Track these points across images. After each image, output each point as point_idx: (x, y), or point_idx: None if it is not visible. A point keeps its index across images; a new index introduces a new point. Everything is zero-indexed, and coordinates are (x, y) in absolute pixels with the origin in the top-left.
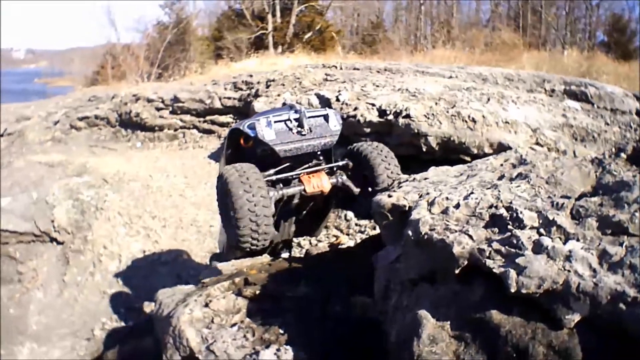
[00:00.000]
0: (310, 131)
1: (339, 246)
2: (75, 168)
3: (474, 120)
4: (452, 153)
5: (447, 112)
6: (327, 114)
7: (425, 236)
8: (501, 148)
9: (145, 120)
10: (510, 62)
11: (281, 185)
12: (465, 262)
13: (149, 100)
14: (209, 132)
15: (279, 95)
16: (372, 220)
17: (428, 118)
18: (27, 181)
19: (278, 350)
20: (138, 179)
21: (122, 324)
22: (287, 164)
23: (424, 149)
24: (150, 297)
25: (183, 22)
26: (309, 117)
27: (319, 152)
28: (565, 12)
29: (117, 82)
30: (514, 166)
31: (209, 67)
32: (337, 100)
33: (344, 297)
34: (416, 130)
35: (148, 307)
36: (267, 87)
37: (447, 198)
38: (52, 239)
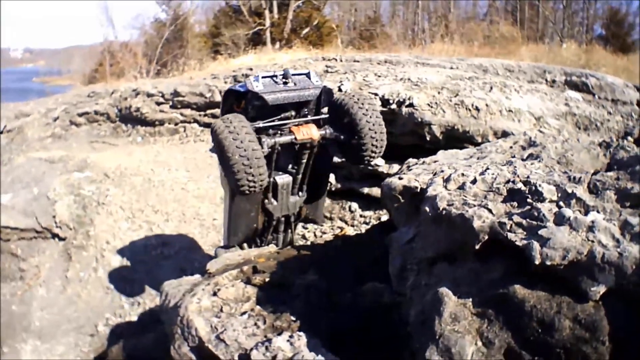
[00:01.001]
0: (295, 85)
1: None
2: (76, 163)
3: (477, 109)
4: (456, 142)
5: (450, 100)
6: (309, 72)
7: (444, 212)
8: (505, 136)
9: (146, 115)
10: (509, 56)
11: (277, 133)
12: (486, 237)
13: (149, 95)
14: (210, 125)
15: None
16: (375, 210)
17: (431, 107)
18: (27, 177)
19: (291, 336)
20: (140, 174)
21: (126, 319)
22: (277, 116)
23: (428, 138)
24: (153, 291)
25: (180, 18)
26: (293, 75)
27: (305, 107)
28: (563, 5)
29: (115, 80)
30: (524, 148)
31: (207, 63)
32: (340, 90)
33: (353, 283)
34: (420, 119)
35: (152, 301)
36: None
37: (462, 174)
38: (54, 235)
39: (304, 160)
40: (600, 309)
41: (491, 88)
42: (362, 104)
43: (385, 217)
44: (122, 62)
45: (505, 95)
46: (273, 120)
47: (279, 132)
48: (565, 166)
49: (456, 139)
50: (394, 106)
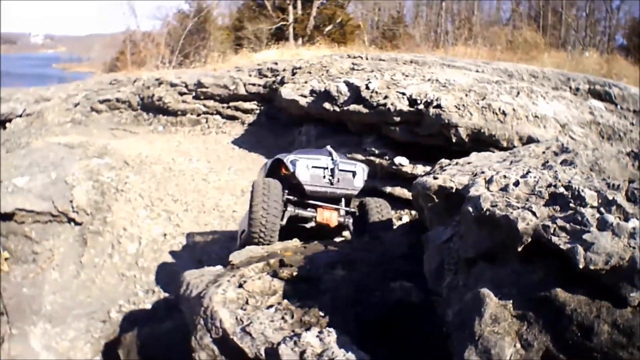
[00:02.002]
0: (338, 182)
1: None
2: (96, 150)
3: (504, 113)
4: (481, 145)
5: (478, 103)
6: (356, 171)
7: (487, 212)
8: (530, 142)
9: (168, 105)
10: (532, 62)
11: (301, 208)
12: (529, 239)
13: (172, 85)
14: (233, 118)
15: (306, 82)
16: (397, 210)
17: (459, 109)
18: (46, 162)
19: (320, 332)
20: (160, 162)
21: (140, 307)
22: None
23: (454, 140)
24: (170, 280)
25: (203, 11)
26: (341, 170)
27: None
28: (586, 13)
29: (136, 69)
30: (556, 154)
31: (229, 56)
32: (367, 88)
33: (382, 281)
34: (447, 121)
35: (166, 290)
36: (293, 74)
37: (505, 176)
38: (70, 220)
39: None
40: (638, 315)
41: (518, 93)
42: (382, 214)
43: (406, 217)
44: (144, 51)
45: (532, 101)
46: (303, 201)
47: (304, 207)
48: (598, 174)
49: (482, 142)
50: (421, 106)
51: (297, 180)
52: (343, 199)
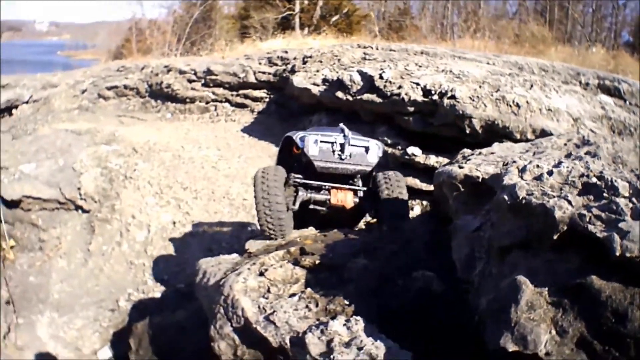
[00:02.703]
0: (350, 157)
1: None
2: (104, 136)
3: (518, 105)
4: (495, 137)
5: (492, 95)
6: (369, 146)
7: (523, 200)
8: (543, 135)
9: (177, 92)
10: (539, 56)
11: (314, 190)
12: (565, 228)
13: (181, 72)
14: (242, 106)
15: (317, 71)
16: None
17: (473, 100)
18: (53, 148)
19: (347, 321)
20: (169, 150)
21: (149, 295)
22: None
23: (467, 131)
24: (180, 269)
25: None
26: (352, 145)
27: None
28: (592, 9)
29: (142, 56)
30: (578, 146)
31: (236, 45)
32: (381, 77)
33: (403, 270)
34: (461, 112)
35: (176, 279)
36: (304, 63)
37: (537, 166)
38: (78, 207)
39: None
40: None
41: (531, 86)
42: (392, 187)
43: (417, 208)
44: (149, 39)
45: (545, 94)
46: (314, 181)
47: (317, 189)
48: (621, 166)
49: (495, 133)
50: (435, 97)
51: (307, 157)
52: (359, 179)
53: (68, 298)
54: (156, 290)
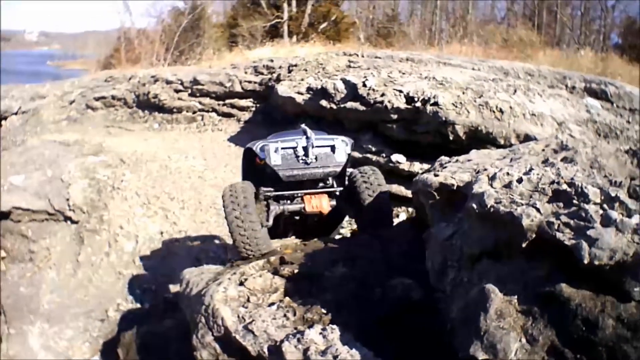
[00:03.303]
0: (315, 160)
1: None
2: (92, 147)
3: (501, 111)
4: (479, 143)
5: (475, 101)
6: (334, 145)
7: (492, 209)
8: (527, 140)
9: (164, 102)
10: (527, 60)
11: (287, 201)
12: (533, 235)
13: (168, 82)
14: (229, 115)
15: (302, 79)
16: (394, 207)
17: (456, 107)
18: (41, 159)
19: (323, 329)
20: (156, 160)
21: (138, 305)
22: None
23: (451, 138)
24: (167, 279)
25: (198, 8)
26: (316, 147)
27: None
28: (581, 12)
29: (131, 66)
30: (556, 151)
31: (224, 54)
32: (364, 85)
33: (382, 278)
34: (444, 119)
35: (164, 288)
36: (290, 71)
37: (507, 173)
38: (67, 218)
39: (315, 220)
40: None
41: (515, 91)
42: (371, 184)
43: (403, 215)
44: (138, 49)
45: (528, 99)
46: (284, 191)
47: (290, 199)
48: (599, 171)
49: (479, 140)
50: (418, 104)
51: (270, 167)
52: (331, 180)
53: (58, 309)
54: (145, 300)
